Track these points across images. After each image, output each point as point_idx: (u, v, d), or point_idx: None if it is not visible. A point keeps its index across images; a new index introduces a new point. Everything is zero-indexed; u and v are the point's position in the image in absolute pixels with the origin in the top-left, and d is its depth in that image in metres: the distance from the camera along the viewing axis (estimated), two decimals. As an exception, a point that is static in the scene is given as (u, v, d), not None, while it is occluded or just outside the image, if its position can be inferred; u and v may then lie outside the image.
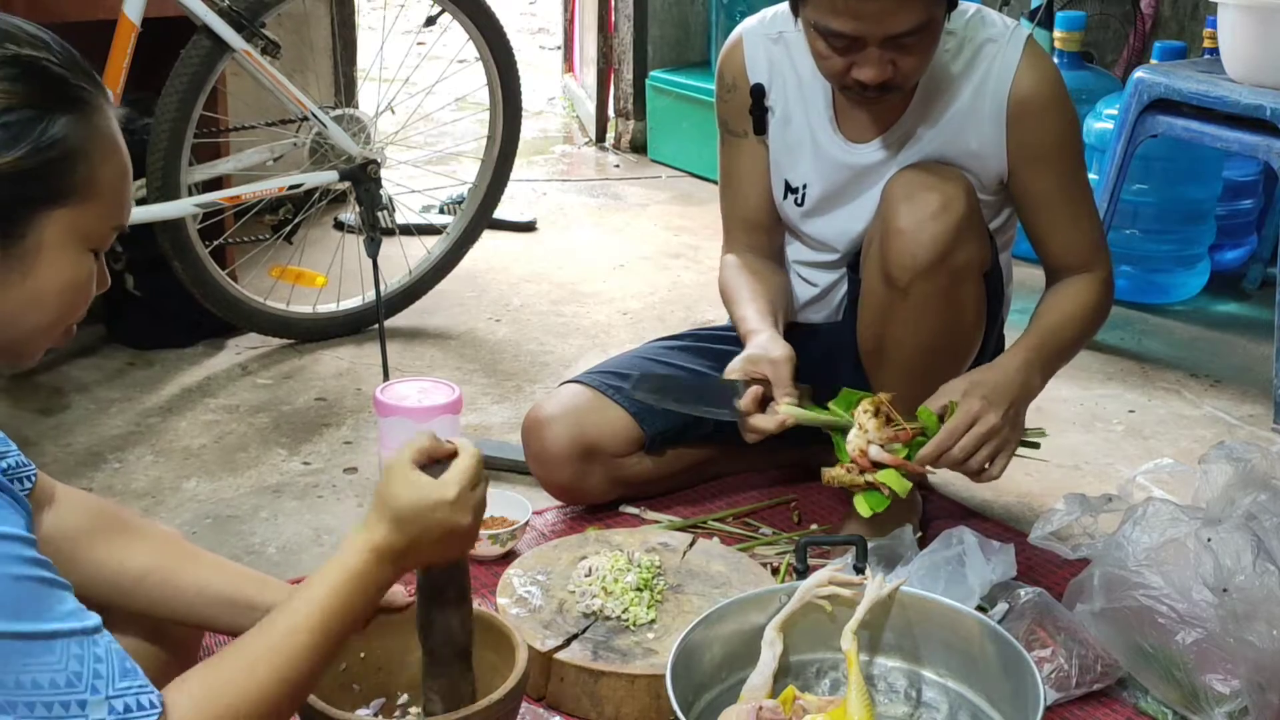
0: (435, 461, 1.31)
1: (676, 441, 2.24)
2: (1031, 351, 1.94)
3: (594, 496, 2.23)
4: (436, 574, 1.38)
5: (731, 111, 2.15)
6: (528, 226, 4.03)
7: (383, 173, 2.98)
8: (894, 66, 1.84)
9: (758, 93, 2.10)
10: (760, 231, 2.19)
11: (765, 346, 1.92)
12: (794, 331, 2.26)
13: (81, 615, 1.04)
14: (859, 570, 1.77)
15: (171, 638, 1.42)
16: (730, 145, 2.18)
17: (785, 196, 2.14)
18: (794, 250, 2.21)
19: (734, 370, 1.91)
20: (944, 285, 1.93)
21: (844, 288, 2.17)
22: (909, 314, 1.95)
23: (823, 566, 1.71)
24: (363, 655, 1.54)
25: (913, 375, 1.98)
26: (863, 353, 2.07)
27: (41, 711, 0.99)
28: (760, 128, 2.11)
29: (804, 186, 2.11)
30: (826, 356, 2.20)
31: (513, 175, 3.38)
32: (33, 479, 1.29)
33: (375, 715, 1.54)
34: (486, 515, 2.11)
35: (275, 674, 1.14)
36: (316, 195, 3.07)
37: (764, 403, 1.89)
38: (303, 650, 1.17)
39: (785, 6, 2.00)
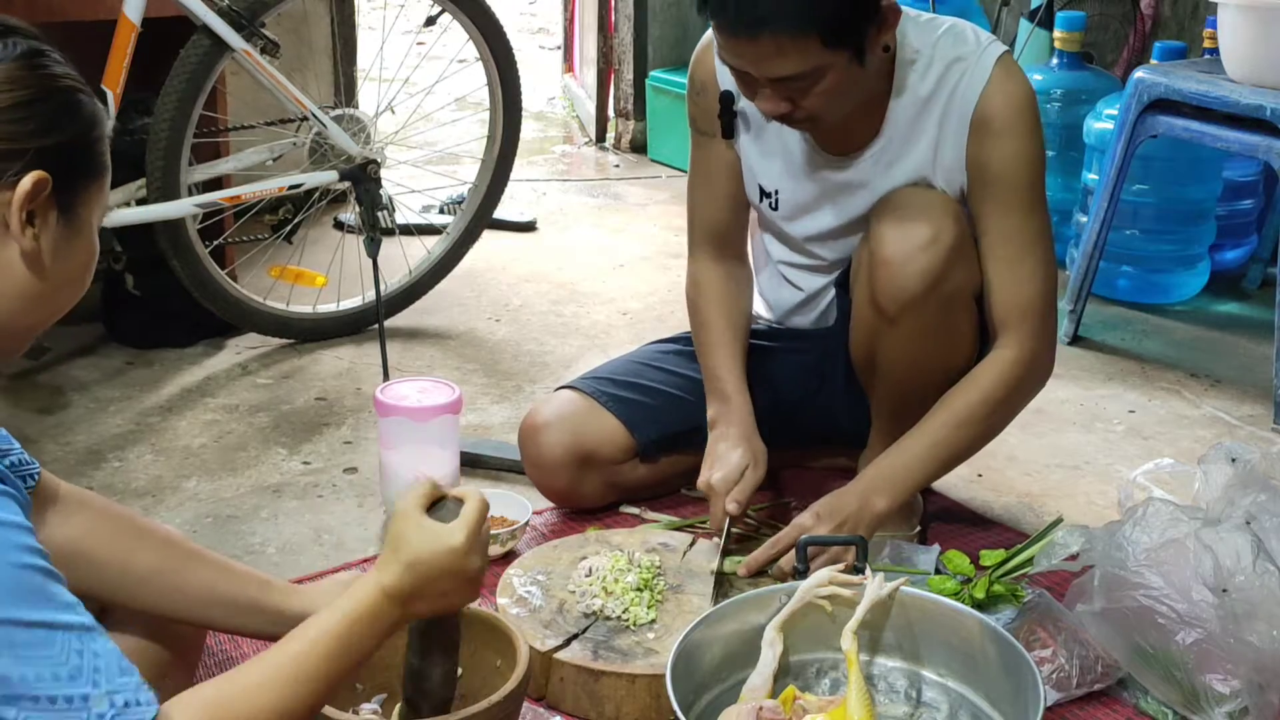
0: (439, 501, 1.34)
1: (670, 449, 2.23)
2: (886, 483, 1.91)
3: (590, 501, 2.23)
4: (428, 626, 1.39)
5: (700, 112, 2.11)
6: (528, 226, 4.03)
7: (383, 173, 2.98)
8: (792, 103, 1.80)
9: (726, 100, 2.04)
10: (723, 233, 2.16)
11: (755, 463, 1.97)
12: (784, 338, 2.26)
13: (79, 609, 1.04)
14: (859, 570, 1.78)
15: (175, 637, 1.42)
16: (699, 144, 2.14)
17: (760, 200, 2.11)
18: (778, 250, 2.19)
19: (727, 486, 1.95)
20: (934, 314, 1.92)
21: (831, 294, 2.15)
22: (900, 341, 1.95)
23: (822, 567, 1.71)
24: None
25: (907, 393, 1.99)
26: (856, 368, 2.08)
27: (45, 705, 0.99)
28: (728, 132, 2.07)
29: (776, 193, 2.08)
30: (817, 364, 2.20)
31: (513, 175, 3.38)
32: (36, 477, 1.29)
33: (377, 711, 1.54)
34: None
35: (277, 699, 1.15)
36: (316, 195, 3.07)
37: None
38: (306, 680, 1.17)
39: None
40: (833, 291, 2.14)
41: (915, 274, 1.88)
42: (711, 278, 2.15)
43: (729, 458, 1.97)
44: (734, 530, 1.97)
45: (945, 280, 1.90)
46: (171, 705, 1.09)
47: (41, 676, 0.99)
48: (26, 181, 1.08)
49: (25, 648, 0.99)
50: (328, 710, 1.38)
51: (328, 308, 3.11)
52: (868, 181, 2.00)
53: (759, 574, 1.91)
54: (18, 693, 0.98)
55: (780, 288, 2.22)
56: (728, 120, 2.06)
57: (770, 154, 2.06)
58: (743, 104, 2.04)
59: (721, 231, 2.17)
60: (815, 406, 2.23)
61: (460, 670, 1.54)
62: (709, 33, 2.07)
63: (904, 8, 1.86)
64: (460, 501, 1.33)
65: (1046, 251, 1.96)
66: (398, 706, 1.52)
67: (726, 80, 2.02)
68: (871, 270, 1.93)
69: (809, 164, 2.03)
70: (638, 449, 2.21)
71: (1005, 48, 1.96)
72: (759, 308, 2.30)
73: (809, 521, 1.89)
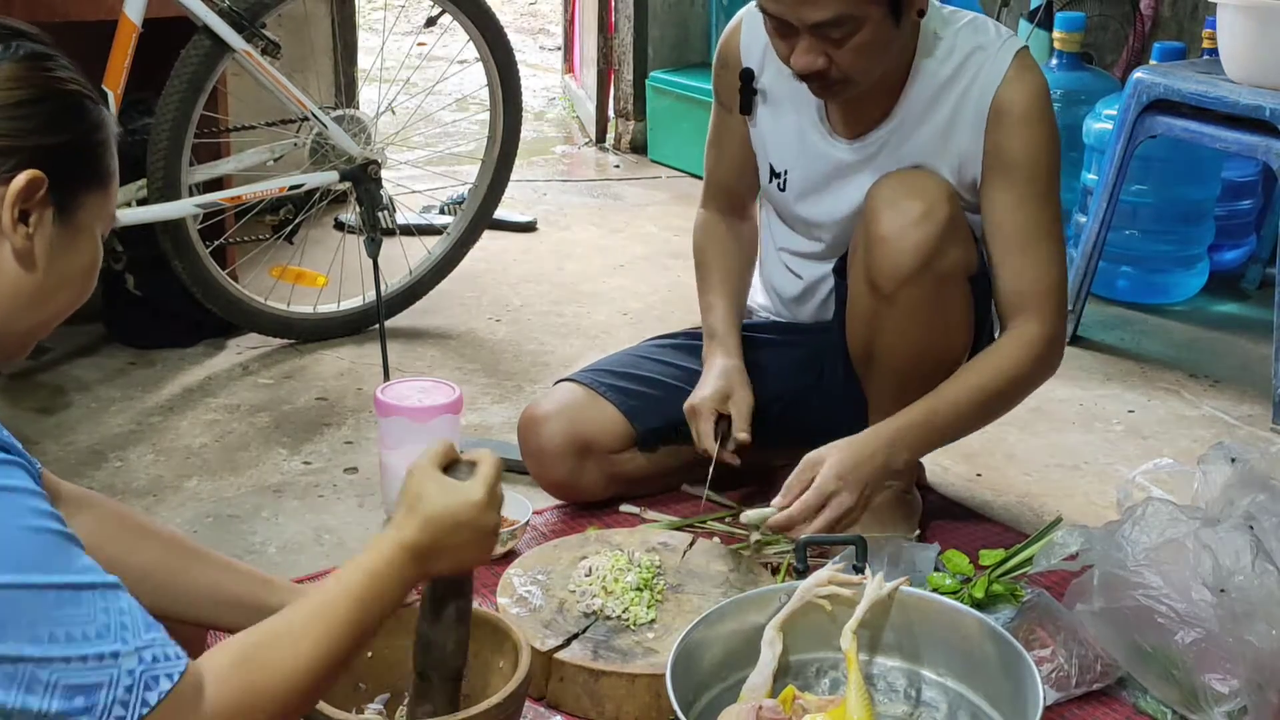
0: (452, 464, 1.36)
1: (669, 439, 2.24)
2: (906, 430, 1.93)
3: (590, 493, 2.24)
4: (442, 588, 1.39)
5: (722, 87, 2.20)
6: (528, 227, 4.03)
7: (383, 173, 2.98)
8: (828, 59, 1.85)
9: (747, 76, 2.13)
10: (736, 195, 2.29)
11: (731, 381, 2.09)
12: (782, 331, 2.27)
13: (100, 570, 1.05)
14: (859, 570, 1.78)
15: (176, 636, 1.42)
16: (719, 114, 2.25)
17: (770, 180, 2.17)
18: (781, 237, 2.23)
19: (705, 404, 2.07)
20: (929, 291, 1.93)
21: (829, 285, 2.17)
22: (896, 321, 1.96)
23: (822, 566, 1.71)
24: (369, 655, 1.54)
25: (904, 380, 1.99)
26: (854, 359, 2.08)
27: (77, 664, 1.00)
28: (745, 108, 2.16)
29: (785, 172, 2.13)
30: (815, 358, 2.21)
31: (513, 175, 3.38)
32: (38, 477, 1.29)
33: (380, 711, 1.55)
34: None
35: (309, 649, 1.15)
36: (317, 195, 3.07)
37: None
38: (333, 633, 1.18)
39: None
40: (831, 282, 2.16)
41: (910, 249, 1.91)
42: (717, 224, 2.29)
43: (715, 384, 2.09)
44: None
45: (940, 256, 1.92)
46: (203, 659, 1.10)
47: (71, 636, 1.00)
48: (20, 179, 1.09)
49: (53, 609, 1.00)
50: (330, 710, 1.38)
51: (328, 308, 3.12)
52: (875, 163, 2.03)
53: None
54: (49, 654, 0.99)
55: (782, 275, 2.25)
56: (747, 97, 2.15)
57: (784, 134, 2.12)
58: (762, 82, 2.13)
59: (732, 192, 2.29)
60: (813, 402, 2.23)
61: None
62: (738, 14, 2.17)
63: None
64: (473, 464, 1.35)
65: (1060, 240, 2.01)
66: (401, 706, 1.52)
67: (751, 58, 2.12)
68: (867, 249, 1.96)
69: (820, 146, 2.08)
70: (636, 438, 2.22)
71: (1024, 43, 2.00)
72: (761, 299, 2.32)
73: (833, 486, 1.87)
